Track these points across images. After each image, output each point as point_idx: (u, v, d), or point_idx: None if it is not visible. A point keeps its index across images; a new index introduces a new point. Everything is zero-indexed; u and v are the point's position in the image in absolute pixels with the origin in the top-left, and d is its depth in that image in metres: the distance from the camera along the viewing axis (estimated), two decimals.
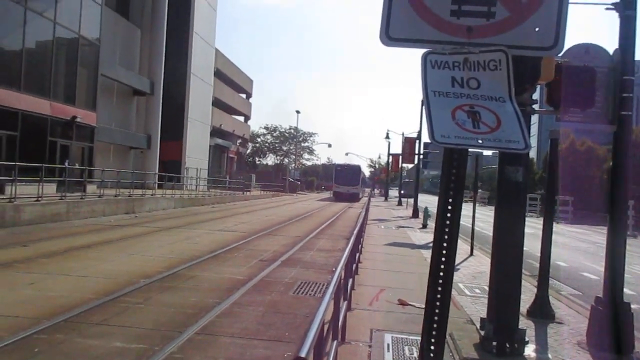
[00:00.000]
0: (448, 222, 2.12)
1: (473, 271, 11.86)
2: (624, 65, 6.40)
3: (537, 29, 2.08)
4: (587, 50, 6.75)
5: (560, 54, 5.59)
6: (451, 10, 2.14)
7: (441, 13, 2.14)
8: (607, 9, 6.61)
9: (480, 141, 2.03)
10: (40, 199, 18.14)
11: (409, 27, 2.16)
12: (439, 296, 2.15)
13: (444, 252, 2.13)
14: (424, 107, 2.10)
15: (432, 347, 2.25)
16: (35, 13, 22.20)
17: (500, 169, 5.99)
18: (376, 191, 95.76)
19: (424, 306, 6.76)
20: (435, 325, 2.23)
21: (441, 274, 2.13)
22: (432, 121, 2.06)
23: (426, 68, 2.13)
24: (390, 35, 2.18)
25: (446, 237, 2.12)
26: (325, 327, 4.51)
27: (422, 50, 2.16)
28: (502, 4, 2.09)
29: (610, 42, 6.75)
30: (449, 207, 2.12)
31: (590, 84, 6.03)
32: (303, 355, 2.13)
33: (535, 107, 6.34)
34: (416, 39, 2.17)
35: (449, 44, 2.12)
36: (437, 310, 2.20)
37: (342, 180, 58.02)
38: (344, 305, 5.61)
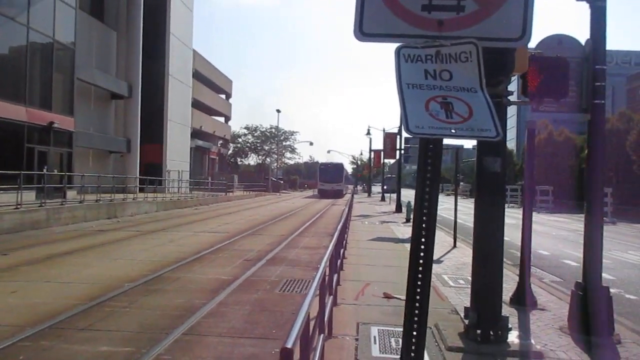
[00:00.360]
0: (425, 210, 2.17)
1: (456, 262, 12.01)
2: (596, 55, 6.55)
3: (505, 21, 2.14)
4: (560, 41, 6.89)
5: (532, 45, 5.72)
6: (422, 5, 2.19)
7: (412, 8, 2.19)
8: (578, 0, 6.76)
9: (453, 131, 2.09)
10: (19, 206, 17.89)
11: (381, 22, 2.21)
12: (419, 284, 2.21)
13: (423, 241, 2.18)
14: (398, 100, 2.16)
15: (414, 339, 2.30)
16: (7, 18, 21.83)
17: (478, 160, 6.10)
18: (359, 187, 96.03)
19: None
20: (416, 316, 2.28)
21: (420, 261, 2.18)
22: (406, 113, 2.11)
23: (399, 62, 2.18)
24: (364, 30, 2.23)
25: (424, 225, 2.18)
26: (313, 322, 4.56)
27: (396, 45, 2.21)
28: None
29: (582, 33, 6.90)
30: (426, 197, 2.18)
31: (563, 74, 6.16)
32: (289, 346, 2.17)
33: (511, 98, 6.46)
34: (389, 33, 2.22)
35: (421, 37, 2.18)
36: (417, 300, 2.25)
37: (326, 178, 60.65)
38: (329, 300, 5.66)
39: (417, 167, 2.26)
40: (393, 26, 2.19)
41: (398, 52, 2.19)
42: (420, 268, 2.19)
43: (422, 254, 2.17)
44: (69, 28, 26.38)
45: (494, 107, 2.10)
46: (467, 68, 2.12)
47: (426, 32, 2.16)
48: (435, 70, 2.15)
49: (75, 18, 26.80)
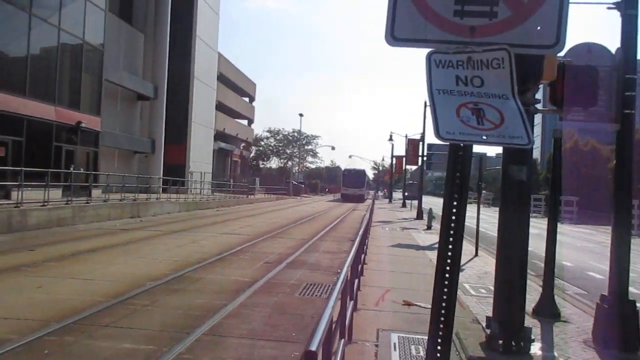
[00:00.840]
0: (454, 218, 2.16)
1: (478, 271, 11.88)
2: (627, 64, 6.42)
3: (538, 28, 2.12)
4: (590, 49, 6.79)
5: (562, 53, 5.64)
6: (454, 11, 2.18)
7: (445, 13, 2.18)
8: (609, 8, 6.65)
9: (484, 137, 2.08)
10: (46, 204, 18.25)
11: (413, 27, 2.21)
12: (445, 294, 2.20)
13: (450, 248, 2.17)
14: (428, 105, 2.16)
15: (439, 347, 2.28)
16: (40, 19, 22.35)
17: (504, 169, 6.03)
18: (380, 193, 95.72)
19: (429, 306, 6.79)
20: (441, 325, 2.27)
21: (447, 268, 2.17)
22: (437, 118, 2.11)
23: (430, 67, 2.18)
24: (395, 35, 2.23)
25: (452, 232, 2.16)
26: (334, 327, 4.55)
27: (426, 50, 2.21)
28: (504, 3, 2.13)
29: (612, 41, 6.79)
30: (454, 204, 2.17)
31: (592, 83, 6.07)
32: (313, 349, 2.17)
33: (538, 106, 6.38)
34: (420, 39, 2.22)
35: (453, 43, 2.17)
36: (443, 309, 2.24)
37: (349, 183, 64.18)
38: (350, 305, 5.65)
39: (446, 172, 2.25)
40: (425, 31, 2.19)
41: (429, 57, 2.19)
42: (447, 275, 2.18)
43: (449, 260, 2.16)
44: (99, 30, 26.89)
45: (525, 115, 2.08)
46: (499, 75, 2.10)
47: (458, 37, 2.16)
48: (466, 76, 2.14)
49: (105, 20, 27.31)
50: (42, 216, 17.55)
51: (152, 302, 7.94)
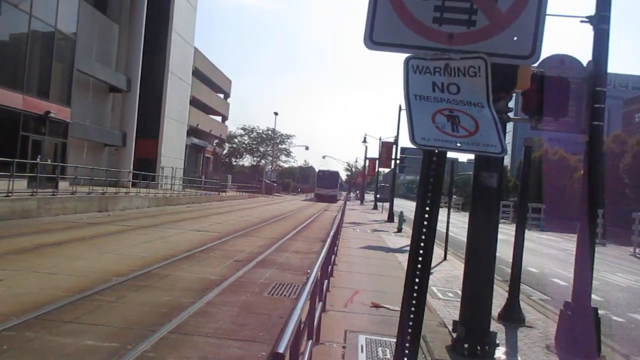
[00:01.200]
0: (425, 223, 2.17)
1: (446, 275, 12.02)
2: (597, 77, 6.59)
3: (515, 38, 2.15)
4: (562, 61, 6.92)
5: (536, 64, 5.74)
6: (434, 17, 2.19)
7: (424, 20, 2.19)
8: (582, 21, 6.81)
9: (459, 144, 2.09)
10: (10, 194, 17.77)
11: (392, 32, 2.21)
12: (414, 299, 2.20)
13: (421, 251, 2.18)
14: (404, 110, 2.16)
15: (407, 350, 2.29)
16: (10, 4, 21.75)
17: (475, 175, 6.11)
18: (352, 195, 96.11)
19: (397, 308, 6.82)
20: (410, 328, 2.27)
21: (417, 273, 2.18)
22: (412, 124, 2.11)
23: (408, 72, 2.18)
24: (374, 39, 2.23)
25: (423, 237, 2.17)
26: (301, 327, 4.53)
27: (404, 55, 2.21)
28: (483, 13, 2.15)
29: (584, 54, 6.94)
30: (427, 209, 2.18)
31: (564, 94, 6.19)
32: (281, 351, 2.15)
33: (511, 114, 6.49)
34: (399, 43, 2.22)
35: (431, 49, 2.18)
36: (412, 313, 2.25)
37: (323, 184, 66.76)
38: (319, 306, 5.64)
39: (419, 178, 2.26)
40: (403, 36, 2.19)
41: (407, 62, 2.20)
42: (417, 279, 2.18)
43: (419, 265, 2.16)
44: (72, 18, 26.31)
45: (500, 124, 2.10)
46: (475, 83, 2.12)
47: (436, 44, 2.17)
48: (443, 83, 2.15)
49: (78, 8, 26.75)
50: (5, 207, 17.07)
51: (118, 298, 7.80)
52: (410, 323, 2.26)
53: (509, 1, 2.14)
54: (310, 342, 4.28)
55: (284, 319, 2.96)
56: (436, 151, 2.13)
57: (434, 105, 2.14)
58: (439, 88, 2.16)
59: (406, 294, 2.29)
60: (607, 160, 34.12)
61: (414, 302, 2.20)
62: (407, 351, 2.24)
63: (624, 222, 32.69)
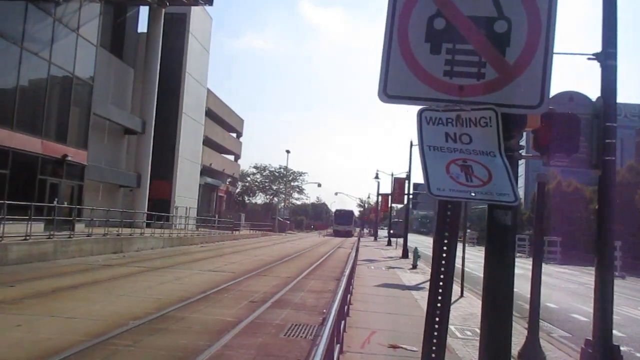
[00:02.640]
0: (443, 268, 2.22)
1: (464, 313, 11.86)
2: (606, 112, 6.65)
3: (523, 89, 2.24)
4: (571, 97, 7.01)
5: (542, 112, 5.83)
6: (444, 71, 2.29)
7: (435, 73, 2.29)
8: (589, 59, 6.92)
9: (473, 194, 2.16)
10: (28, 237, 17.99)
11: (405, 85, 2.31)
12: (434, 340, 2.24)
13: (439, 297, 2.23)
14: (420, 161, 2.24)
15: None
16: (31, 53, 22.50)
17: (489, 213, 6.12)
18: (365, 230, 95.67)
19: (415, 349, 6.78)
20: None
21: (437, 319, 2.21)
22: (428, 175, 2.19)
23: (422, 124, 2.28)
24: (388, 93, 2.33)
25: (441, 283, 2.22)
26: None
27: (418, 108, 2.31)
28: (492, 65, 2.25)
29: (593, 89, 7.03)
30: (444, 255, 2.23)
31: (574, 131, 6.24)
32: None
33: (522, 152, 6.55)
34: (412, 96, 2.32)
35: (443, 101, 2.27)
36: (433, 354, 2.28)
37: (339, 221, 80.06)
38: (336, 348, 5.61)
39: (435, 226, 2.32)
40: (416, 90, 2.29)
41: (420, 114, 2.29)
42: (437, 326, 2.22)
43: (438, 312, 2.20)
44: (89, 64, 27.12)
45: (512, 172, 2.18)
46: (487, 132, 2.20)
47: (447, 96, 2.26)
48: (455, 133, 2.24)
49: (96, 55, 27.57)
50: (23, 250, 17.27)
51: (135, 342, 7.80)
52: None
53: (516, 54, 2.24)
54: None
55: None
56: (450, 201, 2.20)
57: (447, 155, 2.22)
58: (452, 138, 2.24)
59: (426, 336, 2.32)
60: (623, 191, 33.83)
61: (434, 342, 2.23)
62: None
63: None
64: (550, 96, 7.25)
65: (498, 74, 2.24)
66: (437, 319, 2.21)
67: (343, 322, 7.33)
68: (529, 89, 2.23)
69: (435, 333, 2.22)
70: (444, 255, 2.22)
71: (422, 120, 2.27)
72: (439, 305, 2.21)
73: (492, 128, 2.19)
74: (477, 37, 2.25)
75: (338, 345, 6.01)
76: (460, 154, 2.21)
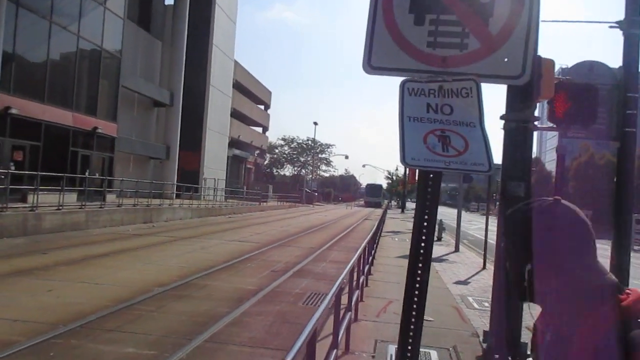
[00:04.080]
0: (423, 236, 2.28)
1: (484, 284, 11.89)
2: (628, 83, 6.47)
3: (505, 60, 2.24)
4: (591, 67, 6.86)
5: (560, 70, 5.73)
6: (427, 42, 2.30)
7: (418, 44, 2.31)
8: (611, 27, 6.71)
9: (447, 164, 2.20)
10: (60, 207, 18.61)
11: (389, 57, 2.34)
12: (414, 307, 2.31)
13: (419, 264, 2.29)
14: (398, 131, 2.28)
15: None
16: (60, 27, 22.87)
17: (502, 185, 6.10)
18: (394, 203, 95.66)
19: (430, 319, 6.86)
20: (410, 336, 2.36)
21: (416, 292, 2.28)
22: (404, 145, 2.23)
23: (404, 95, 2.30)
24: (372, 64, 2.36)
25: (422, 250, 2.28)
26: (331, 337, 4.67)
27: (401, 79, 2.34)
28: (475, 36, 2.25)
29: (614, 59, 6.84)
30: (424, 224, 2.29)
31: (591, 101, 6.11)
32: (289, 359, 2.29)
33: (538, 123, 6.46)
34: (396, 68, 2.34)
35: (426, 72, 2.29)
36: (412, 321, 2.35)
37: (370, 194, 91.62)
38: (347, 316, 5.75)
39: (416, 195, 2.37)
40: (399, 61, 2.32)
41: (403, 85, 2.32)
42: (417, 292, 2.29)
43: (418, 278, 2.27)
44: (117, 37, 27.42)
45: (489, 141, 2.20)
46: (467, 103, 2.22)
47: (431, 67, 2.28)
48: (437, 104, 2.26)
49: (123, 28, 27.84)
50: (56, 220, 17.90)
51: (158, 307, 8.11)
52: (411, 330, 2.35)
53: (499, 24, 2.24)
54: (335, 351, 4.39)
55: (302, 329, 3.10)
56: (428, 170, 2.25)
57: (427, 126, 2.25)
58: (433, 109, 2.26)
59: (406, 305, 2.39)
60: None
61: (413, 310, 2.31)
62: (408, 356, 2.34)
63: None
64: (571, 64, 7.05)
65: (481, 45, 2.24)
66: (416, 291, 2.28)
67: (358, 291, 7.46)
68: (511, 59, 2.23)
69: (415, 306, 2.30)
70: (425, 224, 2.27)
71: (405, 91, 2.30)
72: (417, 279, 2.28)
73: (473, 99, 2.21)
74: (460, 7, 2.25)
75: (350, 312, 6.15)
76: (439, 125, 2.24)
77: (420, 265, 2.24)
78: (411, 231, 2.38)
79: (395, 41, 2.32)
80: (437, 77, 2.25)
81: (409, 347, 2.28)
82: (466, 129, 2.20)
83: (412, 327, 2.26)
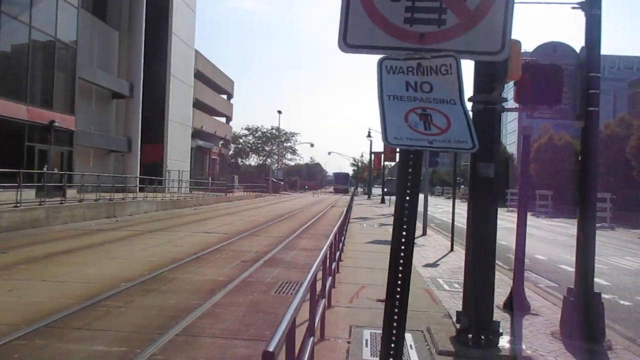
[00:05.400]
0: (405, 219, 2.23)
1: (453, 266, 12.05)
2: (590, 63, 6.59)
3: (484, 35, 2.19)
4: (555, 48, 6.94)
5: (524, 51, 5.78)
6: (405, 18, 2.24)
7: (395, 21, 2.24)
8: (574, 7, 6.80)
9: (430, 142, 2.14)
10: (19, 204, 17.97)
11: (365, 34, 2.26)
12: (398, 291, 2.27)
13: (403, 248, 2.24)
14: (379, 111, 2.21)
15: (393, 343, 2.35)
16: (10, 17, 21.94)
17: (472, 166, 6.15)
18: (359, 189, 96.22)
19: None
20: (395, 319, 2.33)
21: (400, 268, 2.24)
22: (385, 124, 2.16)
23: (382, 73, 2.23)
24: (348, 42, 2.28)
25: (404, 232, 2.23)
26: (306, 325, 4.61)
27: (378, 57, 2.26)
28: (452, 12, 2.20)
29: (577, 40, 6.95)
30: (406, 205, 2.24)
31: (557, 82, 6.21)
32: (271, 349, 2.22)
33: (506, 104, 6.51)
34: (372, 45, 2.27)
35: (404, 50, 2.23)
36: (396, 304, 2.31)
37: (338, 182, 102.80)
38: (321, 303, 5.71)
39: (397, 175, 2.32)
40: (376, 38, 2.24)
41: (380, 63, 2.25)
42: (400, 275, 2.24)
43: (401, 260, 2.22)
44: (71, 27, 26.48)
45: (471, 119, 2.15)
46: (447, 80, 2.17)
47: (408, 44, 2.22)
48: (416, 82, 2.20)
49: (77, 17, 26.91)
50: (14, 217, 17.27)
51: (126, 303, 7.90)
52: (396, 313, 2.32)
53: None
54: (311, 338, 4.34)
55: (281, 318, 3.03)
56: (411, 149, 2.19)
57: (407, 104, 2.19)
58: (412, 87, 2.20)
59: (390, 288, 2.35)
60: (614, 144, 33.94)
61: (398, 293, 2.26)
62: (393, 344, 2.31)
63: (633, 205, 32.54)
64: (535, 45, 7.12)
65: (459, 20, 2.19)
66: (400, 271, 2.23)
67: (330, 278, 7.43)
68: (490, 35, 2.19)
69: (399, 289, 2.25)
70: (407, 205, 2.22)
71: (382, 69, 2.23)
72: (401, 261, 2.23)
73: (453, 75, 2.15)
74: None
75: (324, 299, 6.11)
76: (420, 103, 2.18)
77: (404, 241, 2.19)
78: (382, 216, 2.32)
79: (371, 18, 2.24)
80: (415, 54, 2.19)
81: (393, 336, 2.23)
82: (447, 107, 2.15)
83: (397, 294, 2.21)
